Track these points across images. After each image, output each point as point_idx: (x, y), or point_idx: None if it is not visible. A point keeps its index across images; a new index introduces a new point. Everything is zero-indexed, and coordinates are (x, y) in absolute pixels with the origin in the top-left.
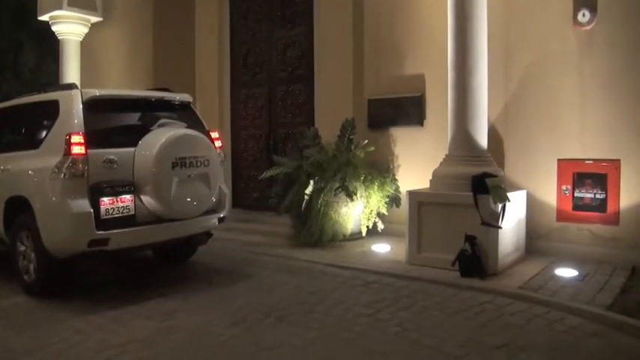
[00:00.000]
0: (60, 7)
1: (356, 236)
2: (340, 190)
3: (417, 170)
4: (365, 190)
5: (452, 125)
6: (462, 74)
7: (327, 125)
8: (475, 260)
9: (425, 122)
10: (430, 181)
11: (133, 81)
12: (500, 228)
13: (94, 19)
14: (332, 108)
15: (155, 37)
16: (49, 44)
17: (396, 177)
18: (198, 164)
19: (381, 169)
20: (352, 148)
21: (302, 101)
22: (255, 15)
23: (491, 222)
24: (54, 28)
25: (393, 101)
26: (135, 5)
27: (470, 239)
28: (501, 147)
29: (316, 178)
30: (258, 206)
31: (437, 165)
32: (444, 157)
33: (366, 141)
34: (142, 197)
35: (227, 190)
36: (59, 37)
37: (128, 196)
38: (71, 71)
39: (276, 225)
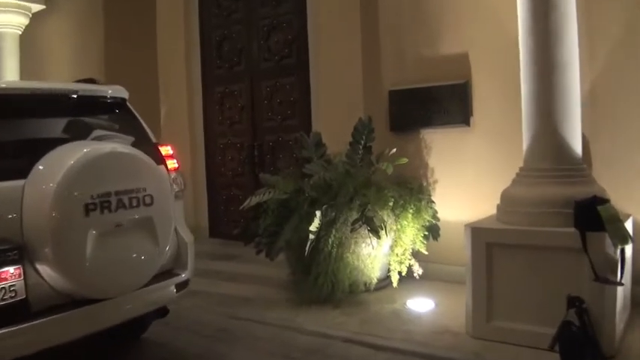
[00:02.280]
0: None
1: (383, 284)
2: (361, 223)
3: (462, 188)
4: (395, 221)
5: (530, 122)
6: (543, 42)
7: (330, 129)
8: (586, 338)
9: (472, 120)
10: (498, 207)
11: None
12: (622, 285)
13: (36, 7)
14: (336, 106)
15: (107, 27)
16: None
17: (432, 198)
18: (135, 203)
19: (412, 189)
20: (373, 160)
21: (294, 99)
22: None
23: (609, 276)
24: None
25: (425, 92)
26: None
27: (575, 304)
28: (587, 151)
29: (324, 207)
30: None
31: (492, 181)
32: (517, 170)
33: (394, 149)
34: (39, 267)
35: (190, 237)
36: None
37: (12, 269)
38: (8, 69)
39: (267, 265)
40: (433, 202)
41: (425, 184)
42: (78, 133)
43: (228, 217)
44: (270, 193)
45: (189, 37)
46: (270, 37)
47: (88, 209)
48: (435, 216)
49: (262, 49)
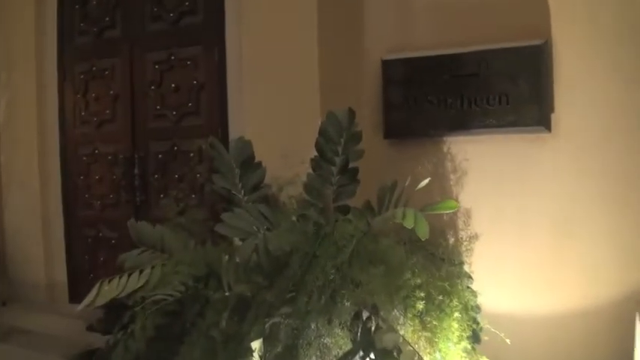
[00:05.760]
0: None
1: None
2: (359, 358)
3: (532, 251)
4: (428, 341)
5: None
6: None
7: (266, 134)
8: None
9: (554, 119)
10: None
11: None
12: None
13: None
14: (276, 92)
15: None
16: None
17: (466, 268)
18: None
19: (436, 256)
20: (374, 206)
21: (200, 82)
22: None
23: None
24: None
25: (457, 63)
26: None
27: None
28: None
29: (269, 323)
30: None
31: (595, 238)
32: None
33: (427, 180)
34: None
35: None
36: None
37: None
38: None
39: None
40: (471, 277)
41: (452, 240)
42: None
43: (97, 272)
44: (142, 275)
45: None
46: None
47: None
48: (476, 308)
49: (149, 1)
